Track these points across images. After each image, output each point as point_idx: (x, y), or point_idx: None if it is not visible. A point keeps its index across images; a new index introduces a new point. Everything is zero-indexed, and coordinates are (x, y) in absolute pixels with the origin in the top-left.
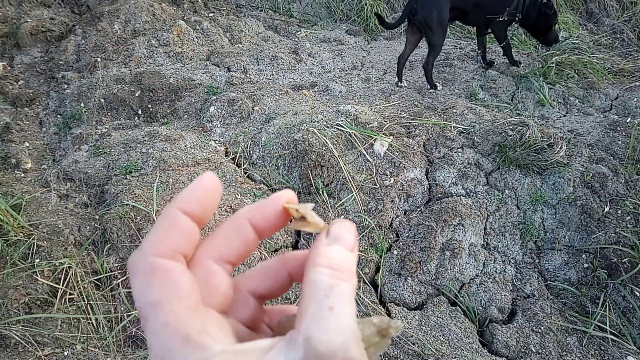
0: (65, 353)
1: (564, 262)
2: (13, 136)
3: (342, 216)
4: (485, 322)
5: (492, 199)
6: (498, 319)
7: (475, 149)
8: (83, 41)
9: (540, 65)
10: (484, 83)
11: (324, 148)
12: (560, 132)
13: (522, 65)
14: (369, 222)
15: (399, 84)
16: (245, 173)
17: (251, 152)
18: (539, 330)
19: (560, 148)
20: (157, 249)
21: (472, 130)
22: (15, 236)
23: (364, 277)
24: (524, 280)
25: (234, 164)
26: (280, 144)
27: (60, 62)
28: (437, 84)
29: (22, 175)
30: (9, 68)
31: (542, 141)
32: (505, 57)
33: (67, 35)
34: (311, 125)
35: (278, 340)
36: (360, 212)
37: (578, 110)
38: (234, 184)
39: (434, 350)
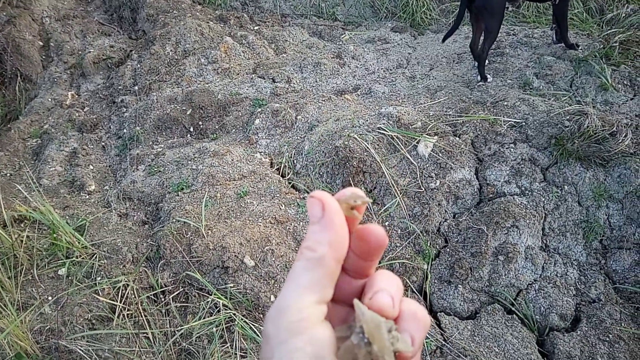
0: None
1: (634, 262)
2: (79, 160)
3: (387, 222)
4: (545, 330)
5: (550, 197)
6: (560, 327)
7: (530, 144)
8: (139, 65)
9: (602, 46)
10: (539, 70)
11: (365, 153)
12: (626, 119)
13: (580, 47)
14: (414, 228)
15: (487, 81)
16: (289, 183)
17: (295, 161)
18: (607, 339)
19: (625, 136)
20: None
21: (525, 123)
22: (80, 256)
23: (412, 286)
24: (588, 284)
25: (278, 174)
26: (323, 151)
27: (120, 87)
28: (488, 75)
29: (87, 197)
30: (77, 96)
31: (603, 130)
32: (560, 40)
33: (125, 60)
34: (352, 130)
35: None
36: (405, 218)
37: None
38: (278, 195)
39: None
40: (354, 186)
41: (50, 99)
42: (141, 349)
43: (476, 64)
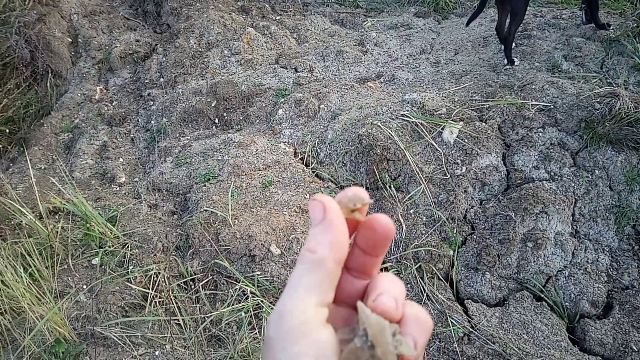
0: (157, 353)
1: None
2: (109, 153)
3: (412, 210)
4: (575, 317)
5: (580, 182)
6: (591, 314)
7: (559, 127)
8: (164, 59)
9: (635, 25)
10: (567, 52)
11: (389, 141)
12: None
13: (612, 27)
14: (440, 215)
15: (514, 64)
16: (313, 172)
17: (318, 150)
18: None
19: None
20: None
21: (554, 106)
22: (112, 246)
23: (438, 274)
24: (621, 270)
25: (302, 164)
26: (346, 140)
27: (146, 81)
28: (515, 59)
29: (118, 188)
30: (105, 91)
31: (635, 112)
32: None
33: (150, 54)
34: (375, 118)
35: None
36: (430, 205)
37: None
38: (302, 184)
39: (516, 349)
40: (378, 175)
41: (80, 94)
42: (172, 335)
43: (502, 47)
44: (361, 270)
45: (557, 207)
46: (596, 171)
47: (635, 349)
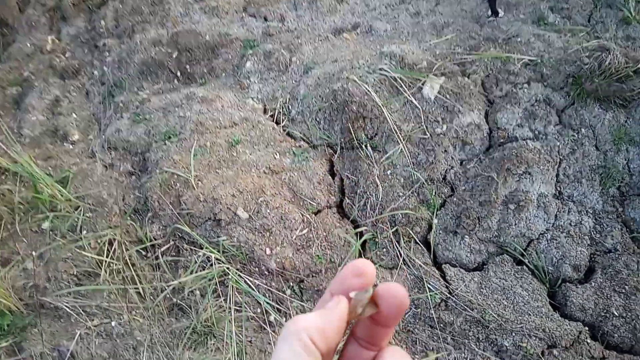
0: (113, 323)
1: None
2: (62, 109)
3: (389, 171)
4: (557, 282)
5: (565, 141)
6: (573, 279)
7: (545, 83)
8: (120, 6)
9: None
10: (554, 4)
11: (365, 97)
12: None
13: None
14: (419, 176)
15: (498, 15)
16: (284, 130)
17: (290, 107)
18: (623, 291)
19: None
20: None
21: (540, 61)
22: (64, 209)
23: (415, 237)
24: (604, 233)
25: (272, 121)
26: (320, 96)
27: (101, 30)
28: (499, 10)
29: (70, 147)
30: (57, 41)
31: (626, 67)
32: None
33: (106, 1)
34: (351, 72)
35: None
36: (408, 166)
37: None
38: (272, 143)
39: (495, 315)
40: (353, 133)
41: (29, 45)
42: (130, 305)
43: None
44: (370, 340)
45: (541, 167)
46: (582, 130)
47: (616, 313)
